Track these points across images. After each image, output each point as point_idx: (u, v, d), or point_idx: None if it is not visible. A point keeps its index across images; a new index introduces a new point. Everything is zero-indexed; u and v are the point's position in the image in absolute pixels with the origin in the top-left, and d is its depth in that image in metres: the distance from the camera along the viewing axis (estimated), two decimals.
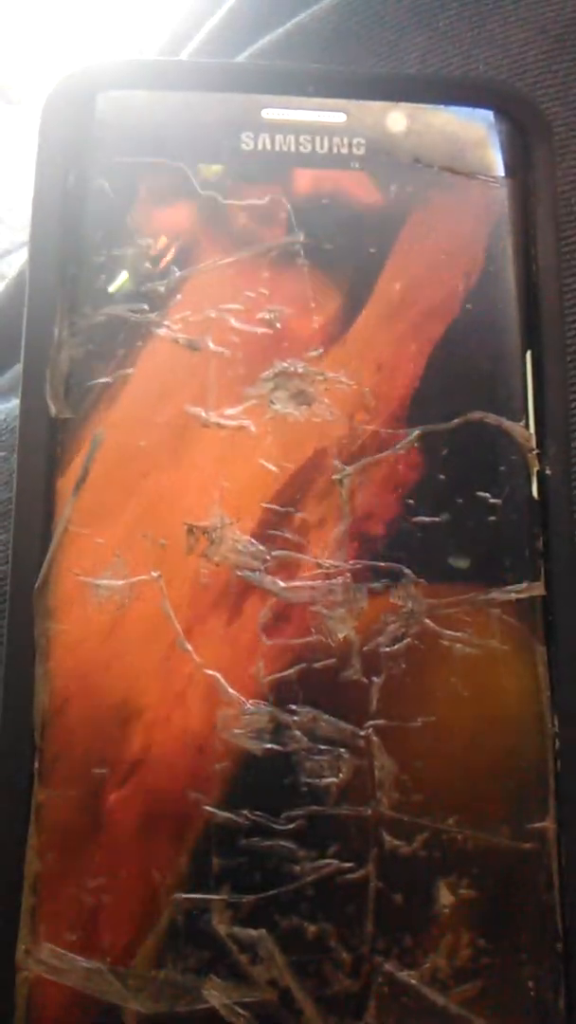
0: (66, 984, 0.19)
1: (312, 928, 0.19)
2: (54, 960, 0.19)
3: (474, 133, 0.24)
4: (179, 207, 0.22)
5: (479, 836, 0.20)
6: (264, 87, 0.23)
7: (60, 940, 0.19)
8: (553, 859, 0.20)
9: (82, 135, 0.22)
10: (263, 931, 0.19)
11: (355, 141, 0.23)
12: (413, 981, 0.19)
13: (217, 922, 0.19)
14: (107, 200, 0.22)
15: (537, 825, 0.20)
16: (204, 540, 0.21)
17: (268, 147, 0.23)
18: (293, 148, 0.23)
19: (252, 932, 0.19)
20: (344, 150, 0.23)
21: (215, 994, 0.19)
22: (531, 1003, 0.19)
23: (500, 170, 0.23)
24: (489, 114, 0.24)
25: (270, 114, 0.23)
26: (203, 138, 0.22)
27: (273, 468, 0.21)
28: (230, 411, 0.21)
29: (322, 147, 0.23)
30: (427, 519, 0.21)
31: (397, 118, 0.23)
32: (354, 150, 0.23)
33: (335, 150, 0.23)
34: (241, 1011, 0.19)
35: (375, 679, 0.20)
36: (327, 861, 0.20)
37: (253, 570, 0.21)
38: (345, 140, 0.23)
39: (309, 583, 0.21)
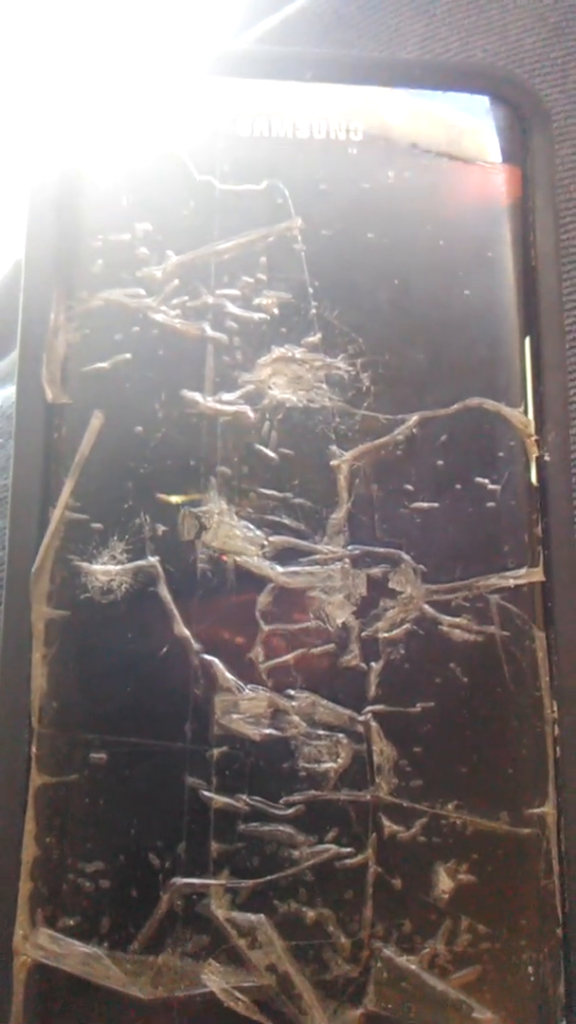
0: (64, 969, 0.19)
1: (311, 913, 0.19)
2: (52, 945, 0.19)
3: (472, 119, 0.23)
4: (176, 192, 0.22)
5: (478, 821, 0.20)
6: (262, 72, 0.23)
7: (58, 925, 0.19)
8: (553, 845, 0.20)
9: (78, 119, 0.22)
10: (262, 916, 0.19)
11: (353, 126, 0.23)
12: (412, 966, 0.19)
13: (216, 907, 0.19)
14: (103, 185, 0.22)
15: (536, 811, 0.20)
16: (202, 525, 0.21)
17: (265, 132, 0.22)
18: (290, 133, 0.23)
19: (251, 917, 0.19)
20: (342, 135, 0.23)
21: (214, 979, 0.19)
22: (531, 988, 0.19)
23: (498, 156, 0.23)
24: (487, 100, 0.24)
25: (267, 99, 0.23)
26: (200, 123, 0.22)
27: (271, 454, 0.21)
28: (228, 396, 0.21)
29: (319, 132, 0.23)
30: (425, 505, 0.21)
31: (395, 103, 0.23)
32: (351, 135, 0.23)
33: (332, 135, 0.23)
34: (240, 996, 0.19)
35: (374, 664, 0.20)
36: (326, 846, 0.19)
37: (251, 556, 0.21)
38: (343, 125, 0.23)
39: (307, 568, 0.21)
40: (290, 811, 0.20)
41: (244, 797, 0.20)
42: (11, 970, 0.19)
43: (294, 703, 0.20)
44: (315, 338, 0.22)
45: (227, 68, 0.23)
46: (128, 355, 0.21)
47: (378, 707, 0.20)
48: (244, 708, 0.20)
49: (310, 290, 0.22)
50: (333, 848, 0.19)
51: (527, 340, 0.22)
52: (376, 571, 0.21)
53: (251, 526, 0.21)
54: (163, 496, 0.20)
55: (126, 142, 0.22)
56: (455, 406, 0.22)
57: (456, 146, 0.23)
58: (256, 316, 0.22)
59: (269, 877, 0.19)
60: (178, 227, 0.22)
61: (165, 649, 0.20)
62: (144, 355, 0.21)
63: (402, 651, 0.20)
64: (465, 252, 0.22)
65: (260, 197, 0.22)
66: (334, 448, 0.21)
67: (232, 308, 0.22)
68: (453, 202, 0.23)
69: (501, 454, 0.21)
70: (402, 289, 0.22)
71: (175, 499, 0.20)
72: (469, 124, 0.23)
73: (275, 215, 0.22)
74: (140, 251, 0.22)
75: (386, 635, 0.20)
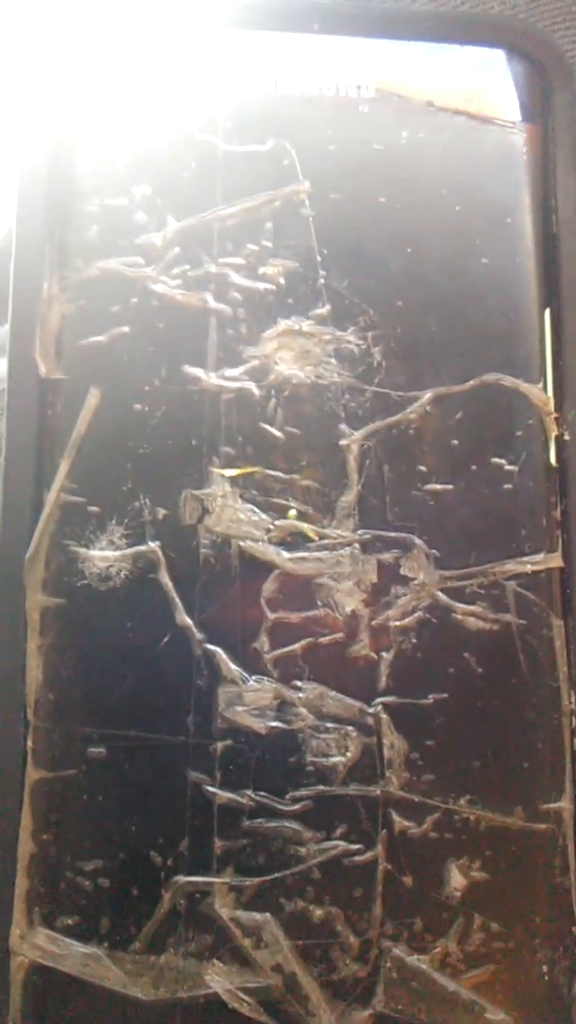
0: (63, 970, 0.18)
1: (318, 912, 0.19)
2: (50, 945, 0.18)
3: (490, 75, 0.22)
4: (176, 153, 0.21)
5: (492, 817, 0.19)
6: (266, 23, 0.21)
7: (56, 924, 0.18)
8: (569, 841, 0.19)
9: (73, 75, 0.21)
10: (267, 915, 0.18)
11: (364, 83, 0.21)
12: (423, 966, 0.19)
13: (220, 905, 0.18)
14: (99, 145, 0.20)
15: (552, 806, 0.19)
16: (204, 509, 0.20)
17: (271, 89, 0.21)
18: (298, 90, 0.21)
19: (256, 916, 0.18)
20: (352, 92, 0.21)
21: (218, 979, 0.18)
22: (545, 988, 0.19)
23: (518, 114, 0.22)
24: (507, 55, 0.22)
25: (273, 53, 0.21)
26: (201, 79, 0.21)
27: (277, 433, 0.20)
28: (231, 372, 0.20)
29: (328, 89, 0.21)
30: (439, 487, 0.20)
31: (408, 58, 0.22)
32: (362, 92, 0.21)
33: (342, 92, 0.21)
34: (245, 997, 0.18)
35: (384, 654, 0.19)
36: (334, 843, 0.19)
37: (256, 540, 0.20)
38: (353, 82, 0.21)
39: (315, 554, 0.20)
40: (297, 807, 0.19)
41: (249, 792, 0.19)
42: (8, 970, 0.18)
43: (301, 695, 0.19)
44: (323, 310, 0.20)
45: (229, 19, 0.21)
46: (126, 328, 0.20)
47: (389, 699, 0.19)
48: (249, 700, 0.19)
49: (318, 258, 0.21)
50: (341, 845, 0.19)
51: (547, 312, 0.21)
52: (387, 556, 0.20)
53: (256, 509, 0.20)
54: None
55: (123, 100, 0.21)
56: (471, 382, 0.20)
57: (473, 104, 0.22)
58: (261, 286, 0.20)
59: (275, 875, 0.19)
60: (178, 190, 0.20)
61: (166, 639, 0.19)
62: (143, 328, 0.20)
63: (414, 640, 0.20)
64: (482, 217, 0.21)
65: (265, 158, 0.21)
66: (343, 427, 0.20)
67: (236, 278, 0.20)
68: (470, 164, 0.21)
69: (519, 433, 0.20)
70: (415, 257, 0.21)
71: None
72: (487, 80, 0.22)
73: (281, 178, 0.21)
74: (138, 216, 0.20)
75: (397, 623, 0.20)
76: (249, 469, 0.20)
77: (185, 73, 0.21)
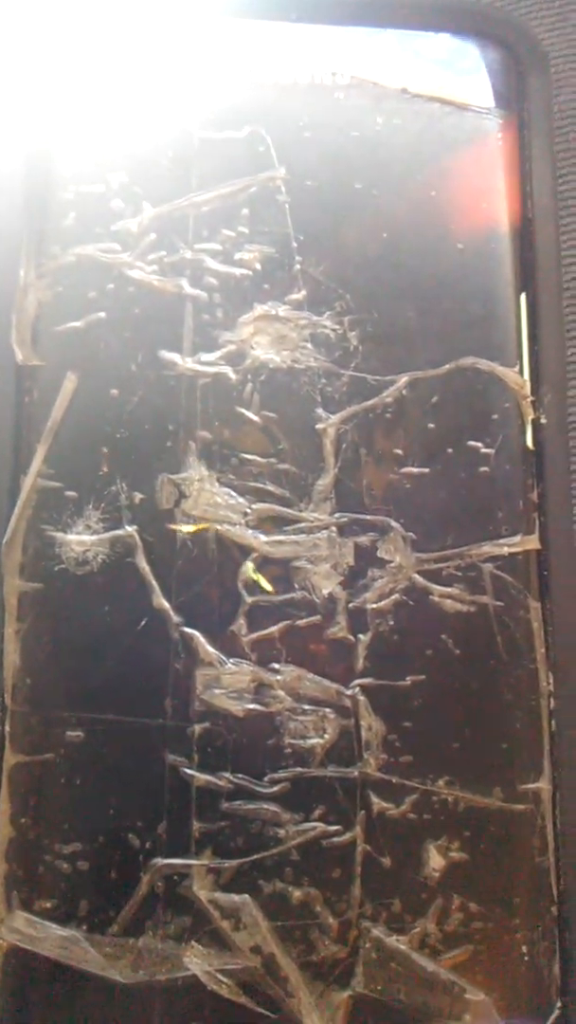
0: (41, 953, 0.18)
1: (297, 893, 0.19)
2: (28, 928, 0.18)
3: (466, 62, 0.22)
4: (151, 139, 0.21)
5: (470, 798, 0.19)
6: (243, 11, 0.22)
7: (34, 908, 0.18)
8: (547, 821, 0.19)
9: (48, 62, 0.21)
10: (246, 896, 0.18)
11: (339, 70, 0.22)
12: (402, 947, 0.19)
13: (198, 888, 0.18)
14: (74, 132, 0.21)
15: (531, 786, 0.19)
16: (181, 493, 0.20)
17: (247, 76, 0.21)
18: (273, 78, 0.21)
19: (235, 898, 0.18)
20: (327, 79, 0.21)
21: (196, 961, 0.18)
22: (524, 969, 0.19)
23: (493, 101, 0.22)
24: (482, 42, 0.22)
25: (249, 41, 0.21)
26: (177, 67, 0.21)
27: (253, 417, 0.20)
28: (207, 357, 0.20)
29: (304, 76, 0.21)
30: (416, 470, 0.20)
31: (384, 45, 0.22)
32: (338, 79, 0.21)
33: (318, 79, 0.21)
34: (223, 979, 0.18)
35: (361, 636, 0.20)
36: (312, 824, 0.19)
37: (233, 524, 0.20)
38: (329, 69, 0.21)
39: (292, 537, 0.20)
40: (275, 789, 0.19)
41: (227, 775, 0.19)
42: None
43: (279, 677, 0.19)
44: (300, 295, 0.20)
45: (206, 7, 0.21)
46: (103, 314, 0.20)
47: (366, 681, 0.19)
48: (226, 682, 0.19)
49: (294, 244, 0.21)
50: (320, 826, 0.19)
51: (523, 296, 0.21)
52: (364, 539, 0.20)
53: (233, 493, 0.20)
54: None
55: (99, 87, 0.21)
56: (447, 366, 0.21)
57: (448, 90, 0.22)
58: (237, 272, 0.20)
59: (254, 856, 0.19)
60: (155, 178, 0.21)
61: (143, 622, 0.19)
62: (119, 314, 0.20)
63: (391, 622, 0.20)
64: (458, 203, 0.21)
65: (241, 145, 0.21)
66: (320, 411, 0.20)
67: (212, 263, 0.20)
68: (445, 150, 0.21)
69: (495, 416, 0.21)
70: (391, 243, 0.21)
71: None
72: (462, 67, 0.22)
73: (257, 164, 0.21)
74: (114, 203, 0.20)
75: (374, 606, 0.20)
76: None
77: (162, 61, 0.21)
